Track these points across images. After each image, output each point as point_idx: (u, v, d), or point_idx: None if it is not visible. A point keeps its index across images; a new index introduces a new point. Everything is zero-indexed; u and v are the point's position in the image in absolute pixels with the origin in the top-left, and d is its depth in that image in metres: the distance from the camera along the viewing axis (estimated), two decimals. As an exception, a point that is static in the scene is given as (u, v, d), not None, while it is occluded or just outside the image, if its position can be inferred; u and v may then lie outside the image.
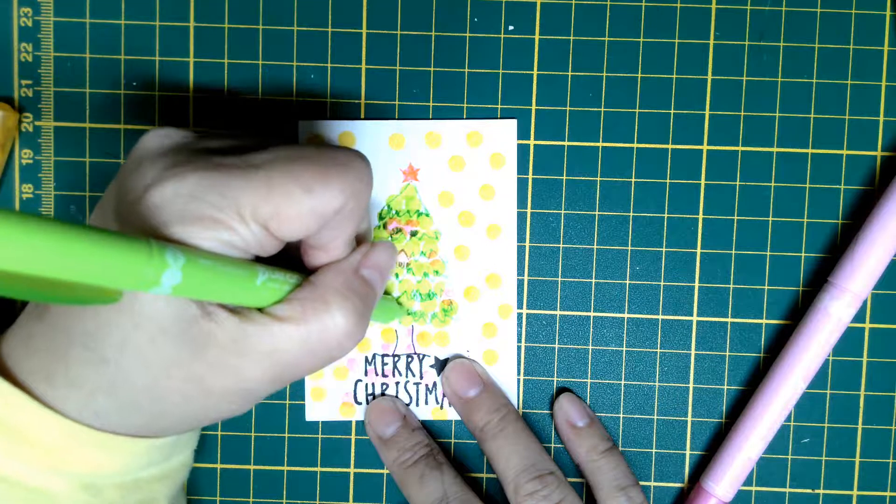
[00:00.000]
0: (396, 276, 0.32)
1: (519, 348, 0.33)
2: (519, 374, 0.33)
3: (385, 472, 0.33)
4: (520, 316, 0.33)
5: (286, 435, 0.33)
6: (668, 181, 0.32)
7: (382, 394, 0.33)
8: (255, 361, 0.23)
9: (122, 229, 0.20)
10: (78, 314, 0.22)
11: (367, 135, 0.32)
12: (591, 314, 0.33)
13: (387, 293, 0.32)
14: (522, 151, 0.32)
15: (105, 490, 0.24)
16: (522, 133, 0.32)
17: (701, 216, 0.32)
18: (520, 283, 0.32)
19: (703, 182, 0.32)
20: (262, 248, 0.23)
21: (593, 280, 0.32)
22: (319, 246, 0.25)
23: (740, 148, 0.32)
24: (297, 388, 0.33)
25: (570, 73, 0.32)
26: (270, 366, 0.23)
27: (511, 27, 0.32)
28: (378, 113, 0.32)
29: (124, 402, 0.22)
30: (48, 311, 0.23)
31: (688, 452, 0.33)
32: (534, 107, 0.32)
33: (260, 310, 0.23)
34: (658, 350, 0.33)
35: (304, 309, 0.23)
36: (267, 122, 0.32)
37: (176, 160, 0.22)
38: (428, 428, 0.33)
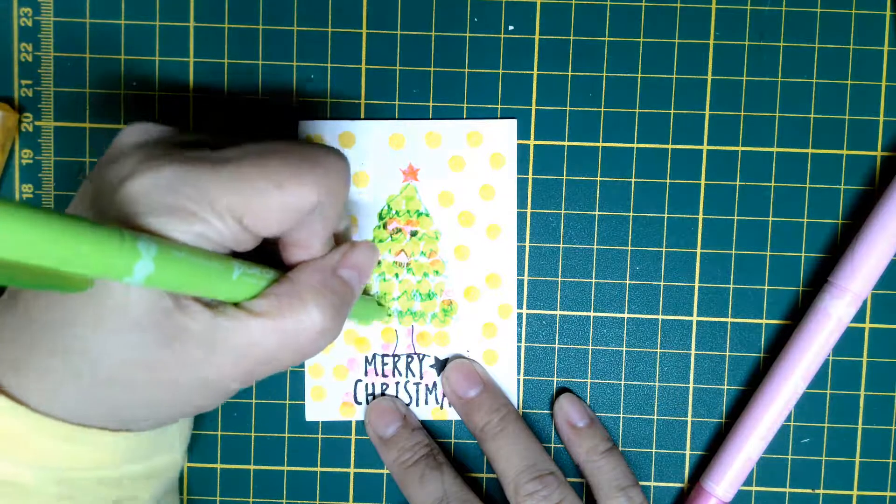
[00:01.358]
0: (396, 276, 0.32)
1: (519, 348, 0.33)
2: (519, 374, 0.33)
3: (385, 472, 0.33)
4: (520, 316, 0.33)
5: (286, 435, 0.33)
6: (668, 181, 0.32)
7: (382, 394, 0.33)
8: (228, 356, 0.22)
9: (97, 221, 0.20)
10: (49, 304, 0.22)
11: (367, 135, 0.32)
12: (591, 314, 0.33)
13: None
14: (522, 151, 0.32)
15: (81, 485, 0.24)
16: (522, 133, 0.32)
17: (701, 216, 0.32)
18: (520, 283, 0.32)
19: (703, 182, 0.32)
20: (238, 243, 0.23)
21: (593, 280, 0.32)
22: (296, 243, 0.25)
23: (740, 148, 0.32)
24: (297, 388, 0.33)
25: (570, 73, 0.32)
26: (244, 360, 0.23)
27: (511, 27, 0.32)
28: (378, 113, 0.32)
29: (93, 393, 0.22)
30: (19, 300, 0.22)
31: (688, 452, 0.33)
32: (534, 107, 0.32)
33: (235, 305, 0.23)
34: (658, 350, 0.33)
35: (280, 304, 0.23)
36: (267, 123, 0.32)
37: (152, 153, 0.22)
38: (428, 428, 0.33)
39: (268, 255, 0.26)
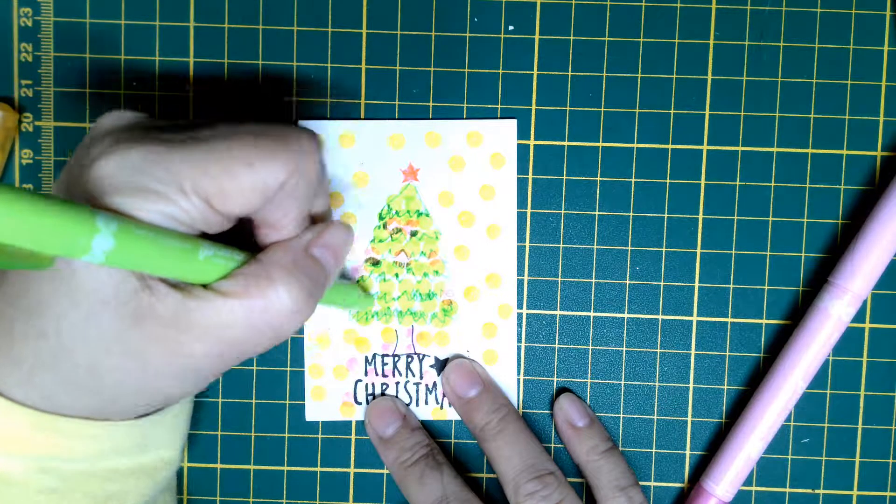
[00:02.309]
0: (396, 276, 0.32)
1: (519, 348, 0.33)
2: (519, 374, 0.33)
3: (385, 472, 0.33)
4: (520, 316, 0.33)
5: (286, 435, 0.33)
6: (668, 181, 0.32)
7: (382, 394, 0.33)
8: (197, 337, 0.22)
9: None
10: (23, 289, 0.22)
11: (367, 135, 0.32)
12: (591, 314, 0.33)
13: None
14: (522, 151, 0.32)
15: (67, 477, 0.24)
16: (522, 133, 0.32)
17: (701, 216, 0.32)
18: (520, 283, 0.32)
19: (703, 182, 0.32)
20: (207, 224, 0.22)
21: (593, 280, 0.32)
22: (269, 224, 0.25)
23: (740, 148, 0.32)
24: (297, 388, 0.33)
25: (570, 73, 0.32)
26: (214, 342, 0.23)
27: (511, 27, 0.32)
28: (378, 113, 0.32)
29: (66, 379, 0.22)
30: None
31: (688, 452, 0.33)
32: (534, 107, 0.32)
33: (205, 286, 0.23)
34: (658, 350, 0.33)
35: (248, 284, 0.23)
36: (267, 123, 0.32)
37: (122, 136, 0.22)
38: (428, 428, 0.33)
39: (244, 237, 0.25)
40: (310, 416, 0.33)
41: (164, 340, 0.22)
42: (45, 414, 0.23)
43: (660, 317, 0.33)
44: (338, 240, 0.26)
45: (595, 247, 0.32)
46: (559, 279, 0.32)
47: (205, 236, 0.23)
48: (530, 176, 0.32)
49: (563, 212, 0.32)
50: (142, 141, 0.22)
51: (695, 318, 0.33)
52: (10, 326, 0.22)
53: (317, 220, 0.27)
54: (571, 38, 0.32)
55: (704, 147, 0.32)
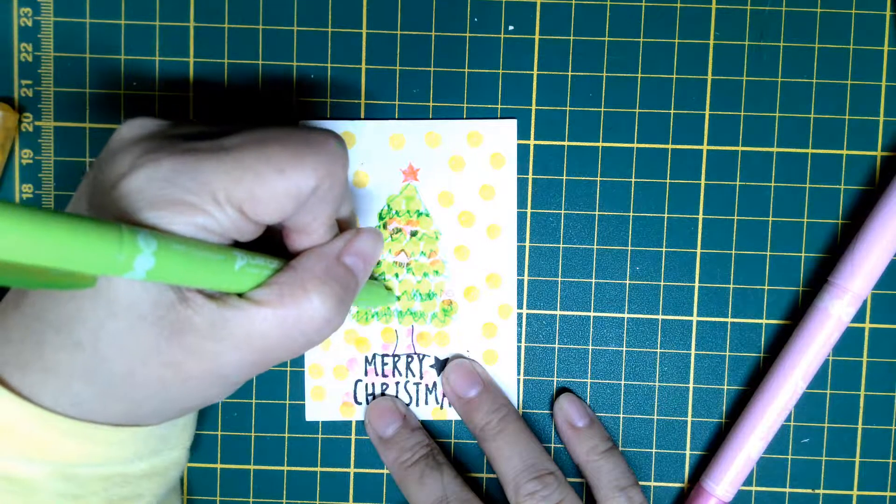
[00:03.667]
0: (396, 276, 0.32)
1: (519, 348, 0.33)
2: (519, 374, 0.33)
3: (385, 472, 0.33)
4: (520, 316, 0.33)
5: (286, 435, 0.33)
6: (668, 181, 0.32)
7: (382, 394, 0.33)
8: (233, 346, 0.22)
9: (96, 218, 0.20)
10: (54, 301, 0.22)
11: (367, 135, 0.32)
12: (591, 314, 0.33)
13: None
14: (522, 151, 0.32)
15: (87, 482, 0.24)
16: (522, 133, 0.32)
17: (701, 216, 0.32)
18: (520, 283, 0.32)
19: (703, 182, 0.32)
20: (240, 233, 0.22)
21: (593, 280, 0.32)
22: (299, 229, 0.25)
23: (740, 148, 0.32)
24: (297, 388, 0.33)
25: (570, 73, 0.32)
26: (249, 351, 0.23)
27: (511, 27, 0.32)
28: (378, 113, 0.32)
29: (101, 388, 0.22)
30: (25, 299, 0.22)
31: (688, 452, 0.33)
32: (534, 107, 0.32)
33: (240, 295, 0.23)
34: (658, 350, 0.33)
35: (283, 293, 0.23)
36: (267, 123, 0.32)
37: (149, 147, 0.22)
38: (428, 428, 0.33)
39: (273, 244, 0.26)
40: (310, 416, 0.33)
41: (200, 351, 0.22)
42: (75, 421, 0.23)
43: (660, 317, 0.33)
44: (368, 246, 0.26)
45: (595, 247, 0.32)
46: (559, 279, 0.32)
47: (236, 244, 0.23)
48: (530, 176, 0.32)
49: (563, 212, 0.32)
50: (170, 151, 0.22)
51: (695, 318, 0.33)
52: (39, 339, 0.22)
53: (342, 223, 0.27)
54: (571, 38, 0.32)
55: (704, 147, 0.32)
